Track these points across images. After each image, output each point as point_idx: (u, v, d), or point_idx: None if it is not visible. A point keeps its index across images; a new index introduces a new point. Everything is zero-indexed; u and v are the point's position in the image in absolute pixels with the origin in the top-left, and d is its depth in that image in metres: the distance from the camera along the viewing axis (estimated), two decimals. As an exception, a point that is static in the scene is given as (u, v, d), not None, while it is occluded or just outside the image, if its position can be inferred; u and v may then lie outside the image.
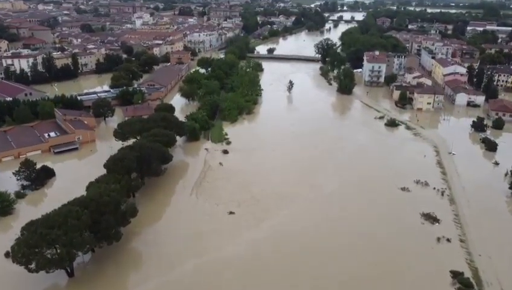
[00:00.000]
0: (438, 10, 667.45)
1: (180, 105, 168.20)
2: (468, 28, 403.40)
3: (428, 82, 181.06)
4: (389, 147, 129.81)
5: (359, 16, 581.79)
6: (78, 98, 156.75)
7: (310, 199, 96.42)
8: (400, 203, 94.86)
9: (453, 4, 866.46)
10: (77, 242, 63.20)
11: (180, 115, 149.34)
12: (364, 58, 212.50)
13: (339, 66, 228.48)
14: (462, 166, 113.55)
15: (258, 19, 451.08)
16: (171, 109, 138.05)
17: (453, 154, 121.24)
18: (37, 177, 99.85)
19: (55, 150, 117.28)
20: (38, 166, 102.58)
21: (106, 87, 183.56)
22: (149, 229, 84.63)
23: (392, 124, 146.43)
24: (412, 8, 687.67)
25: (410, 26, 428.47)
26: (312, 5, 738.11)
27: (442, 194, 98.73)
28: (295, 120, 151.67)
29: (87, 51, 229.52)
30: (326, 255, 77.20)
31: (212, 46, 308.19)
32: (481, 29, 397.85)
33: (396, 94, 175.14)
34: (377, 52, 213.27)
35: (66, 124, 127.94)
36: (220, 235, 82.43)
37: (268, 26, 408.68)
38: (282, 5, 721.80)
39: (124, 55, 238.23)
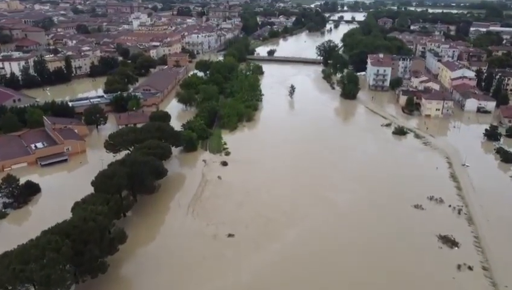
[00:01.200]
0: (439, 10, 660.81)
1: (177, 111, 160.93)
2: (471, 28, 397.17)
3: (436, 87, 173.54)
4: (398, 157, 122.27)
5: (360, 16, 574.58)
6: (70, 104, 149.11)
7: (318, 218, 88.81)
8: (414, 223, 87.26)
9: (453, 4, 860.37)
10: (55, 279, 55.57)
11: (176, 122, 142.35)
12: (368, 61, 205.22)
13: (342, 69, 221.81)
14: (478, 180, 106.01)
15: (258, 19, 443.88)
16: (167, 117, 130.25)
17: (467, 166, 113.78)
18: (21, 194, 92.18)
19: (42, 163, 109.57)
20: (22, 180, 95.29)
21: (101, 92, 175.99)
22: (141, 254, 77.04)
23: (400, 132, 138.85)
24: (412, 9, 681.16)
25: (412, 27, 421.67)
26: (312, 5, 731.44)
27: (459, 213, 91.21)
28: (298, 127, 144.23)
29: (82, 53, 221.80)
30: (336, 285, 69.77)
31: (211, 47, 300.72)
32: (484, 30, 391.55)
33: (403, 99, 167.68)
34: (381, 55, 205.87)
35: (54, 133, 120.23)
36: (219, 262, 74.96)
37: (268, 26, 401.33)
38: (281, 5, 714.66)
39: (120, 58, 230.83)
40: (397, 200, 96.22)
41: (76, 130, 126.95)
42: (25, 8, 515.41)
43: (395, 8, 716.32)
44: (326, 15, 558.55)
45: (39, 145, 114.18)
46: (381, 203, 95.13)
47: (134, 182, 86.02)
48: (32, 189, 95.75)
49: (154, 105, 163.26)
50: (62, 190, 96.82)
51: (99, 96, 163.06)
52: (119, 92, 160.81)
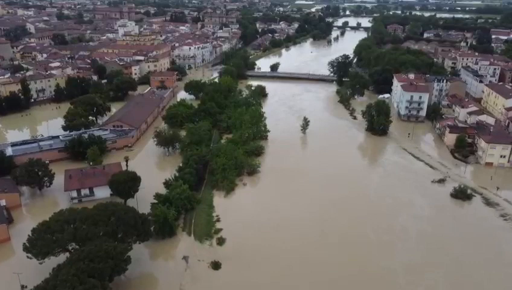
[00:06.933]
0: (446, 15, 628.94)
1: (156, 155, 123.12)
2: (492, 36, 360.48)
3: (491, 120, 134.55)
4: (470, 242, 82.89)
5: (365, 22, 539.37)
6: (8, 150, 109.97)
7: None
8: None
9: (458, 8, 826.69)
10: None
11: (154, 172, 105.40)
12: (398, 83, 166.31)
13: (362, 91, 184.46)
14: None
15: (258, 25, 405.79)
16: (134, 180, 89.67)
17: None
18: None
19: None
20: None
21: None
22: None
23: (463, 194, 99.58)
24: (418, 13, 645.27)
25: (425, 35, 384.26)
26: (313, 9, 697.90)
27: None
28: (319, 183, 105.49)
29: (47, 72, 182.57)
30: None
31: (205, 60, 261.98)
32: (505, 38, 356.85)
33: (451, 138, 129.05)
34: (411, 75, 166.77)
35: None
36: None
37: (269, 34, 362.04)
38: (281, 9, 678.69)
39: (95, 77, 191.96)
40: None
41: (3, 201, 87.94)
42: (7, 13, 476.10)
43: (399, 12, 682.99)
44: (330, 20, 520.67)
45: None
46: None
47: None
48: None
49: (126, 147, 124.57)
50: None
51: (52, 137, 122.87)
52: (80, 131, 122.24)
